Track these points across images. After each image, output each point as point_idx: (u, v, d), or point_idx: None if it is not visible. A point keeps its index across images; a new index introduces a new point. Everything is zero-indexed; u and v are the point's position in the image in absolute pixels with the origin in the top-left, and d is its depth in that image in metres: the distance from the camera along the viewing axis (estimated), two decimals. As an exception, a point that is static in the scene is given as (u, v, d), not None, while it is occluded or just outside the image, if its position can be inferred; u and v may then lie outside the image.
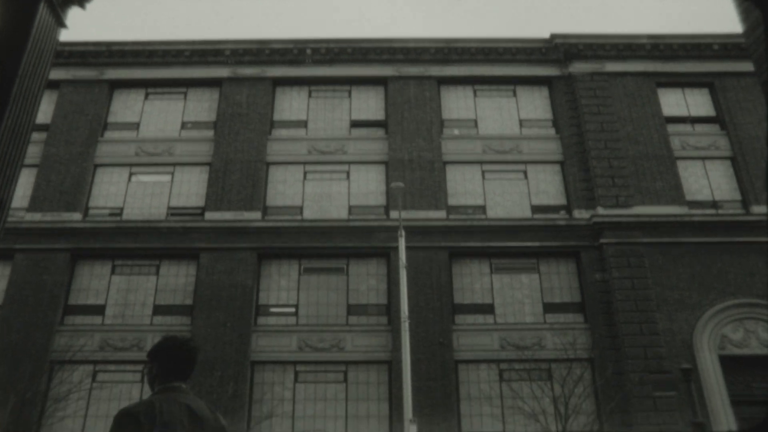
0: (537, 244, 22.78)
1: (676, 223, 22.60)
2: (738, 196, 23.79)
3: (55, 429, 20.24)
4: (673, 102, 25.77)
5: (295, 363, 21.48)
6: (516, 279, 22.84)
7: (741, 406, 20.14)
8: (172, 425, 2.92)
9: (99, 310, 22.42)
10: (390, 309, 21.90)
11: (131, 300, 22.57)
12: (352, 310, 22.35)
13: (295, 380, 21.31)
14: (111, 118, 25.96)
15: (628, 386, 20.11)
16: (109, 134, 25.58)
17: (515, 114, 25.88)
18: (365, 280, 22.86)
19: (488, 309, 22.28)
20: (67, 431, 20.38)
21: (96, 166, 24.79)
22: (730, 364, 20.69)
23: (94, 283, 22.91)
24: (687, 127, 25.24)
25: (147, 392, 20.85)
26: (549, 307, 22.33)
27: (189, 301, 22.42)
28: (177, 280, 22.93)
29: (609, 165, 23.83)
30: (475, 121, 25.70)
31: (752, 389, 20.54)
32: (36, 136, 24.55)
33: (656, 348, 20.69)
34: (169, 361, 3.23)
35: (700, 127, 25.28)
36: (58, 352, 20.95)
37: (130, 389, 21.10)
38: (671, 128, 24.96)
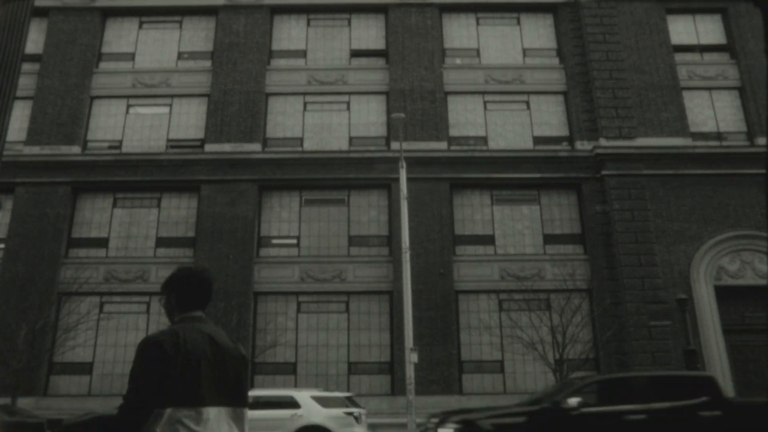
0: (538, 175, 22.71)
1: (679, 154, 22.44)
2: (743, 128, 23.52)
3: (66, 357, 20.84)
4: (682, 29, 25.06)
5: (297, 293, 21.86)
6: (517, 210, 22.91)
7: (732, 335, 20.64)
8: (196, 354, 2.83)
9: (102, 243, 22.62)
10: (391, 240, 22.08)
11: (134, 233, 22.74)
12: (353, 241, 22.54)
13: (298, 310, 21.75)
14: (105, 49, 25.36)
15: (625, 316, 20.52)
16: (104, 65, 25.05)
17: (518, 43, 25.24)
18: (366, 212, 22.95)
19: (489, 240, 22.46)
20: (78, 359, 20.99)
21: (92, 98, 24.41)
22: (725, 294, 21.05)
23: (97, 216, 23.02)
24: (695, 56, 24.65)
25: (153, 322, 21.44)
26: (549, 239, 22.50)
27: (191, 233, 22.59)
28: (179, 212, 23.03)
29: (613, 95, 23.43)
30: (478, 51, 25.09)
31: (744, 318, 20.98)
32: (29, 66, 24.06)
33: (654, 279, 20.98)
34: (186, 291, 3.15)
35: (709, 56, 24.69)
36: (64, 284, 21.30)
37: (136, 320, 21.58)
38: (679, 57, 24.38)
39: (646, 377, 11.40)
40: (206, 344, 2.90)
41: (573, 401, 10.20)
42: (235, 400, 2.93)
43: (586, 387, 10.72)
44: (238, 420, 2.93)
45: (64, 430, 2.50)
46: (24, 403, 18.67)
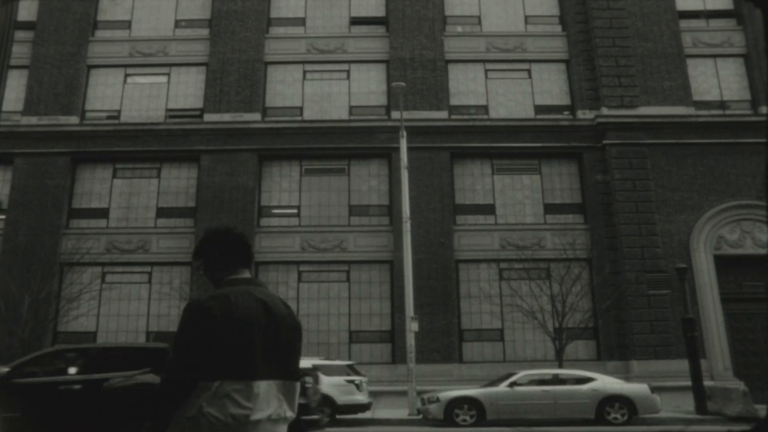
0: (539, 144, 22.59)
1: (681, 123, 22.28)
2: (747, 96, 23.29)
3: (70, 327, 21.02)
4: (687, -5, 24.63)
5: (298, 263, 21.94)
6: (517, 179, 22.85)
7: (730, 303, 20.78)
8: (248, 321, 2.49)
9: (103, 213, 22.63)
10: (391, 209, 22.08)
11: (134, 203, 22.73)
12: (353, 210, 22.53)
13: (299, 280, 21.86)
14: (100, 16, 24.98)
15: (624, 285, 20.62)
16: (100, 33, 24.72)
17: (520, 10, 24.84)
18: (366, 181, 22.90)
19: (489, 209, 22.45)
20: (82, 329, 21.18)
21: (89, 67, 24.13)
22: (724, 264, 21.12)
23: (97, 186, 22.97)
24: (701, 23, 24.28)
25: (155, 293, 21.56)
26: (549, 208, 22.48)
27: (192, 204, 22.58)
28: (179, 182, 22.98)
29: (616, 64, 23.15)
30: (479, 18, 24.71)
31: (742, 287, 21.10)
32: (22, 34, 23.73)
33: (653, 248, 21.03)
34: (228, 249, 2.78)
35: (715, 23, 24.31)
36: (66, 255, 21.37)
37: (138, 290, 21.71)
38: (684, 24, 24.01)
39: (99, 349, 11.92)
40: (259, 310, 2.56)
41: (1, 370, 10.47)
42: (287, 372, 2.61)
43: (41, 358, 11.07)
44: (289, 395, 2.61)
45: (104, 392, 2.32)
46: (29, 371, 18.88)
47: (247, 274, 2.80)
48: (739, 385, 16.47)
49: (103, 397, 2.48)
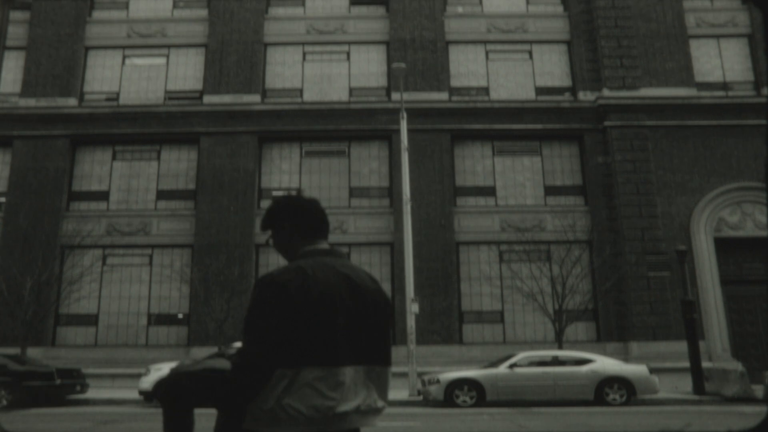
0: (540, 126, 22.50)
1: (683, 105, 22.16)
2: (751, 77, 23.13)
3: (72, 309, 21.11)
4: (690, -26, 24.37)
5: (299, 245, 21.92)
6: (518, 161, 22.80)
7: (729, 285, 20.85)
8: (330, 299, 2.15)
9: (103, 196, 22.61)
10: (392, 191, 22.05)
11: (134, 186, 22.70)
12: (354, 192, 22.51)
13: (300, 262, 21.87)
14: (98, -4, 24.74)
15: (624, 267, 20.67)
16: (97, 14, 24.50)
17: (523, -11, 24.59)
18: (367, 163, 22.85)
19: (489, 191, 22.43)
20: (84, 311, 21.27)
21: (87, 48, 23.95)
22: (724, 246, 21.14)
23: (96, 169, 22.93)
24: (705, 2, 24.04)
25: (156, 275, 21.60)
26: (550, 190, 22.46)
27: (192, 186, 22.55)
28: (179, 164, 22.93)
29: (618, 44, 22.97)
30: (481, -2, 24.48)
31: (742, 269, 21.14)
32: (18, 15, 23.52)
33: (654, 230, 21.04)
34: (302, 216, 2.44)
35: (719, 2, 24.05)
36: (67, 237, 21.39)
37: (139, 272, 21.76)
38: (687, 3, 23.78)
39: None
40: (342, 286, 2.21)
41: None
42: (376, 357, 2.25)
43: None
44: (379, 382, 2.26)
45: (174, 377, 2.10)
46: (33, 353, 19.01)
47: (325, 245, 2.43)
48: (737, 366, 16.58)
49: (168, 383, 2.17)
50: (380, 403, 2.25)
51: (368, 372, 2.21)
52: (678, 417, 12.73)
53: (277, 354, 2.08)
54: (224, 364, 2.18)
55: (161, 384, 2.20)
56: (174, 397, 2.16)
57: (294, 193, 2.61)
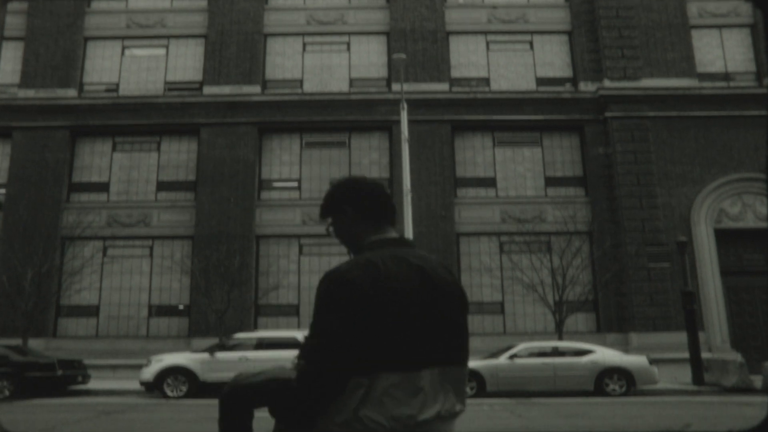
0: (541, 117, 22.44)
1: (684, 96, 22.09)
2: (752, 68, 23.04)
3: (73, 300, 21.15)
4: (692, -36, 24.22)
5: (299, 236, 21.98)
6: (518, 152, 22.76)
7: (730, 276, 20.86)
8: (404, 294, 1.92)
9: (103, 187, 22.59)
10: (392, 182, 22.02)
11: (134, 177, 22.68)
12: (354, 185, 22.44)
13: (300, 253, 21.92)
14: (97, -13, 24.62)
15: (625, 258, 20.67)
16: (96, 4, 24.38)
17: (524, -21, 24.45)
18: (367, 154, 22.81)
19: (490, 182, 22.40)
20: (85, 302, 21.31)
21: (86, 39, 23.86)
22: (724, 237, 21.14)
23: (96, 160, 22.90)
24: (706, -8, 23.91)
25: (157, 267, 21.63)
26: (550, 181, 22.43)
27: (192, 177, 22.53)
28: (179, 156, 22.90)
29: (619, 35, 22.86)
30: (482, -12, 24.34)
31: (742, 260, 21.15)
32: (16, 5, 23.40)
33: (654, 221, 21.03)
34: (365, 202, 2.16)
35: (721, -8, 23.92)
36: (67, 229, 21.39)
37: (140, 263, 21.78)
38: (689, -6, 23.65)
39: None
40: (417, 279, 1.97)
41: None
42: (453, 356, 2.01)
43: None
44: (456, 383, 2.01)
45: (233, 388, 1.93)
46: (35, 344, 19.05)
47: (393, 234, 2.17)
48: (737, 357, 16.62)
49: (226, 396, 1.98)
50: (459, 407, 2.02)
51: (446, 373, 1.98)
52: (677, 408, 12.77)
53: (351, 360, 1.86)
54: (288, 373, 1.97)
55: (220, 397, 2.00)
56: (231, 411, 1.97)
57: (356, 176, 2.36)
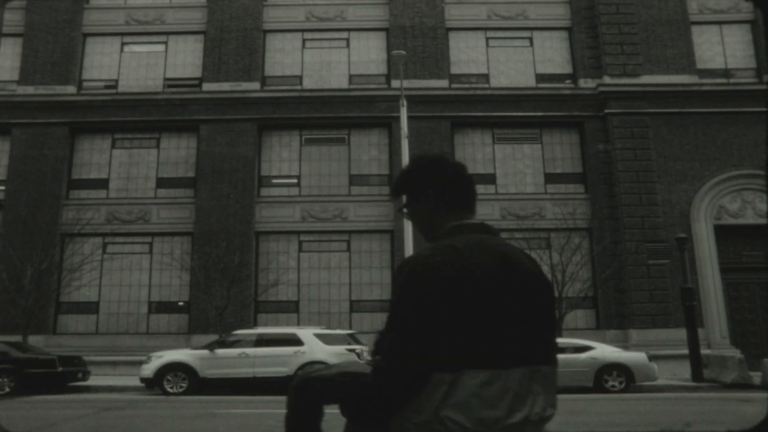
0: (540, 113, 22.42)
1: (684, 92, 22.06)
2: (752, 64, 23.00)
3: (73, 297, 21.16)
4: (692, -40, 24.16)
5: (298, 233, 21.98)
6: (518, 149, 22.74)
7: (729, 273, 20.87)
8: (490, 285, 1.74)
9: (103, 184, 22.58)
10: (392, 179, 21.96)
11: (134, 173, 22.67)
12: (354, 180, 22.49)
13: (300, 249, 21.92)
14: (96, -17, 24.56)
15: (624, 255, 20.68)
16: (95, 1, 24.31)
17: (524, -25, 24.40)
18: (367, 151, 22.80)
19: (490, 179, 22.39)
20: (84, 299, 21.32)
21: (85, 35, 23.82)
22: (724, 234, 21.14)
23: (96, 157, 22.88)
24: (706, -12, 23.86)
25: (156, 263, 21.64)
26: (550, 178, 22.43)
27: (191, 174, 22.52)
28: (178, 152, 22.88)
29: (619, 31, 22.82)
30: (481, -16, 24.29)
31: (742, 257, 21.16)
32: (16, 3, 23.34)
33: (654, 218, 21.03)
34: (451, 183, 1.98)
35: (722, -13, 23.87)
36: (67, 225, 21.38)
37: (139, 260, 21.78)
38: (689, -10, 23.59)
39: None
40: (501, 269, 1.79)
41: None
42: (543, 354, 1.83)
43: None
44: (546, 385, 1.82)
45: (304, 381, 1.80)
46: (35, 341, 19.07)
47: (475, 219, 2.00)
48: (736, 353, 16.63)
49: (296, 390, 1.88)
50: (549, 410, 1.82)
51: (535, 373, 1.79)
52: (676, 404, 12.79)
53: (434, 355, 1.70)
54: (362, 367, 1.87)
55: (289, 391, 1.91)
56: (301, 406, 1.87)
57: (436, 153, 2.16)
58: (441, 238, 1.91)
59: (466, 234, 1.88)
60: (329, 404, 1.86)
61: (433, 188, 1.98)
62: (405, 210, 2.08)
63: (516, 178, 22.45)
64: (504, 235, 18.90)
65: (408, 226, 18.21)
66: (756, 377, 15.80)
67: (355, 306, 21.31)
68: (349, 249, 21.84)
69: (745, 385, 15.46)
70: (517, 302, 1.79)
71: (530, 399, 1.76)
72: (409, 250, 18.01)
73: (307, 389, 1.86)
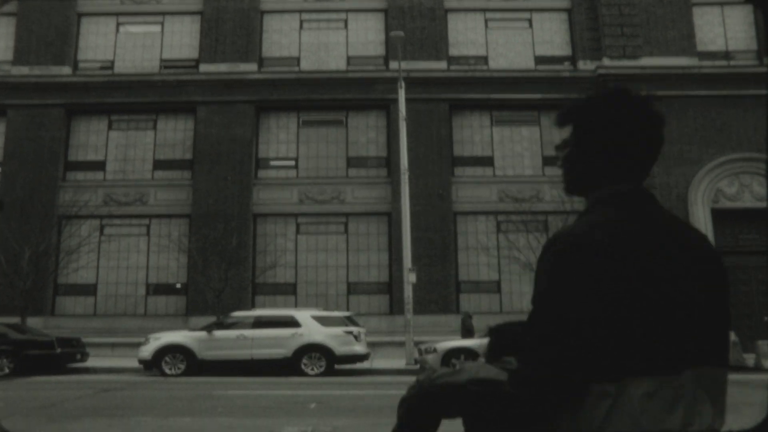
0: (539, 96, 22.30)
1: (684, 75, 21.94)
2: (753, 46, 22.86)
3: (70, 279, 21.17)
4: (694, -60, 23.91)
5: (296, 215, 21.97)
6: (516, 131, 22.67)
7: (726, 256, 20.43)
8: (660, 271, 1.37)
9: (100, 165, 22.50)
10: (390, 161, 21.97)
11: (131, 155, 22.57)
12: (351, 162, 22.43)
13: (297, 232, 21.92)
14: (91, -38, 24.25)
15: (621, 237, 20.67)
16: (90, -21, 24.03)
17: (523, -45, 24.15)
18: (365, 133, 22.71)
19: (488, 161, 22.35)
20: (82, 281, 21.34)
21: (79, 15, 23.56)
22: (721, 217, 21.18)
23: (92, 138, 22.76)
24: (707, -31, 23.64)
25: (154, 245, 21.65)
26: (548, 160, 22.37)
27: (189, 156, 22.43)
28: (175, 134, 22.77)
29: (619, 12, 22.63)
30: (481, -36, 24.04)
31: (739, 240, 21.21)
32: (13, -19, 23.09)
33: (651, 200, 21.00)
34: (641, 133, 1.50)
35: (722, -31, 23.66)
36: (64, 207, 21.32)
37: (137, 242, 21.78)
38: (691, -30, 23.38)
39: None
40: (672, 251, 1.41)
41: None
42: (712, 353, 1.42)
43: None
44: (714, 391, 1.41)
45: (427, 389, 1.61)
46: (33, 322, 19.10)
47: (641, 188, 1.52)
48: (730, 336, 16.73)
49: (413, 400, 1.64)
50: (718, 423, 1.41)
51: (701, 376, 1.39)
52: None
53: (593, 359, 1.33)
54: (492, 371, 1.58)
55: (404, 400, 1.66)
56: (417, 418, 1.61)
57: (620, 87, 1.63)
58: (596, 205, 1.50)
59: (630, 204, 1.47)
60: (454, 417, 1.59)
61: (613, 135, 1.51)
62: (561, 155, 1.66)
63: (514, 161, 22.40)
64: (501, 217, 18.87)
65: (405, 209, 18.16)
66: (750, 359, 15.92)
67: (353, 288, 21.37)
68: (346, 231, 21.85)
69: (739, 368, 15.58)
70: (690, 291, 1.41)
71: (698, 408, 1.38)
72: (407, 232, 18.00)
73: (431, 399, 1.59)
